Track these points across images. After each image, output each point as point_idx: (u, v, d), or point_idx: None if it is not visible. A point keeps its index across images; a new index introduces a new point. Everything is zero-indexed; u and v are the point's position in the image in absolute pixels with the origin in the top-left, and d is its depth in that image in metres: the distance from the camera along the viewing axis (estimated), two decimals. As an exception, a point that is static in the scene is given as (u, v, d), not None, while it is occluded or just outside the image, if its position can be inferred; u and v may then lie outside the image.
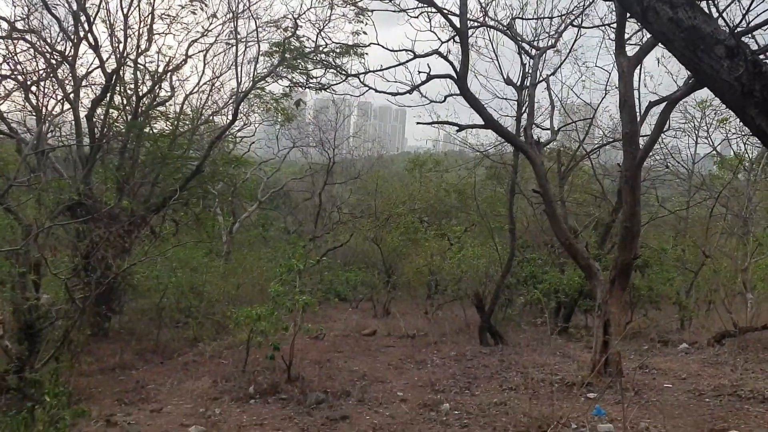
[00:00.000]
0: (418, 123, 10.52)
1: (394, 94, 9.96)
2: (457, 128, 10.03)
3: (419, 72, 9.83)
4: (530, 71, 13.44)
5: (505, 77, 14.77)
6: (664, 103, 9.37)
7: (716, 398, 8.19)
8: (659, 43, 9.03)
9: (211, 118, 19.38)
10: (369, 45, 9.98)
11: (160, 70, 16.55)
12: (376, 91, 10.16)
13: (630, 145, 8.59)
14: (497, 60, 13.77)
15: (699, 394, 8.47)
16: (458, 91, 10.23)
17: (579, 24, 12.14)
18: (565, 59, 14.54)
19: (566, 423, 7.20)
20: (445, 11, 10.71)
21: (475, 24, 11.20)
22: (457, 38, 11.00)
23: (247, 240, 25.14)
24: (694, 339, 13.32)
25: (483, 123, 9.76)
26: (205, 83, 18.35)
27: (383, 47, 9.90)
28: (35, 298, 9.53)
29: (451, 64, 9.60)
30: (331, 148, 25.25)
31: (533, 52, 11.89)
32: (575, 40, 14.19)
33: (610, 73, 15.66)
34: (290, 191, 30.92)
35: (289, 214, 32.15)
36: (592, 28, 12.04)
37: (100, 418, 8.17)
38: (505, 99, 14.31)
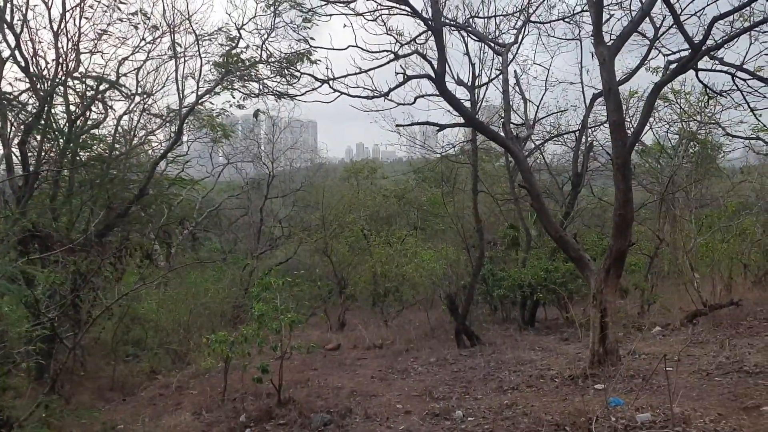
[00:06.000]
0: (397, 125, 10.20)
1: (370, 98, 9.62)
2: (438, 128, 9.79)
3: (396, 73, 9.56)
4: (482, 69, 13.58)
5: (456, 78, 14.85)
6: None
7: (724, 376, 8.28)
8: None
9: (145, 138, 18.24)
10: (347, 47, 9.52)
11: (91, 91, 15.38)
12: (350, 96, 9.76)
13: (618, 132, 8.62)
14: (447, 62, 13.74)
15: (706, 374, 8.53)
16: (431, 92, 10.08)
17: (539, 20, 12.24)
18: (514, 56, 14.73)
19: (601, 417, 7.01)
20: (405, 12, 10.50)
21: (448, 22, 11.02)
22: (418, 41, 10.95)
23: (185, 264, 23.84)
24: (665, 321, 13.61)
25: (464, 121, 9.58)
26: (137, 102, 17.28)
27: (364, 49, 9.52)
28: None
29: (430, 62, 9.35)
30: (270, 161, 24.45)
31: (499, 49, 11.85)
32: (522, 38, 14.39)
33: (548, 69, 16.20)
34: (222, 209, 29.74)
35: (223, 233, 30.88)
36: (556, 21, 12.14)
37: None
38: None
